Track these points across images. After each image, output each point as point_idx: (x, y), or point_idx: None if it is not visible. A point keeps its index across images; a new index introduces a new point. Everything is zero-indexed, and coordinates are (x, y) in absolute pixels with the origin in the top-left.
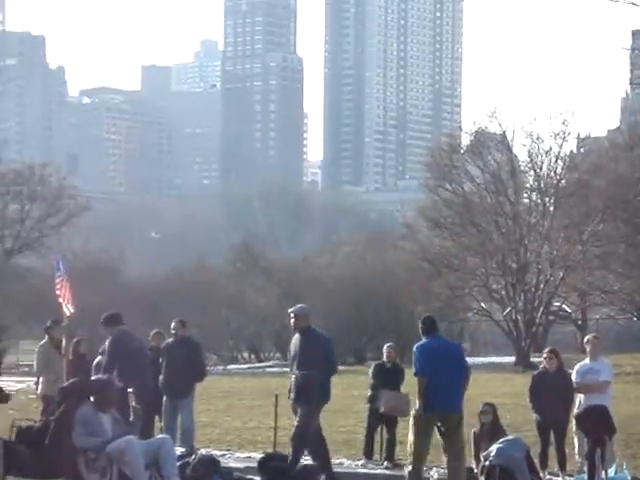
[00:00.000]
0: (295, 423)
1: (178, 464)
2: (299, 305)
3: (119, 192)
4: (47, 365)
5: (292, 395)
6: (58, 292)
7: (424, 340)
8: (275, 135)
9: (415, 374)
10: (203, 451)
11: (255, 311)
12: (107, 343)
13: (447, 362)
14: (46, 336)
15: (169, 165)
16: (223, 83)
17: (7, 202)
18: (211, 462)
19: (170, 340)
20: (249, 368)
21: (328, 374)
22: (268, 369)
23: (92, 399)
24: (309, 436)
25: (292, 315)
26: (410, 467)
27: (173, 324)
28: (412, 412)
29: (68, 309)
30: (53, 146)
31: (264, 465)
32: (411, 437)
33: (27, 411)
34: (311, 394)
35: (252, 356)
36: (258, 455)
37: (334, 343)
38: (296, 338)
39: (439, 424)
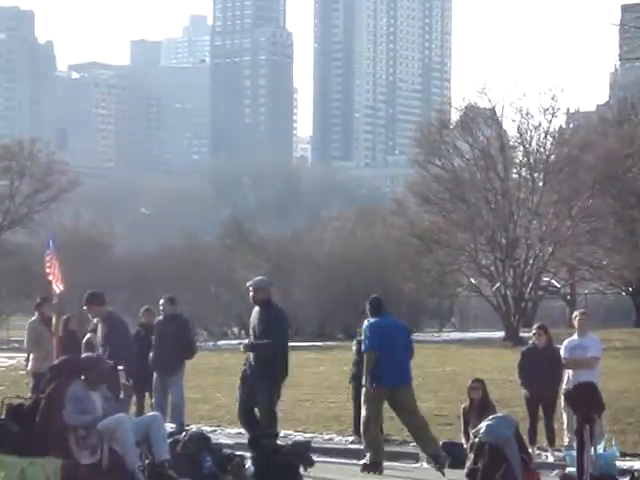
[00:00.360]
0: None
1: (169, 441)
2: (258, 278)
3: (109, 167)
4: (37, 342)
5: (247, 369)
6: (47, 270)
7: (373, 319)
8: (265, 110)
9: (365, 350)
10: (193, 427)
11: (245, 287)
12: (102, 323)
13: (396, 339)
14: (36, 313)
15: (158, 140)
16: (212, 58)
17: None
18: (201, 439)
19: (160, 317)
20: (239, 344)
21: (284, 350)
22: None
23: (82, 377)
24: (274, 411)
25: (250, 288)
26: (365, 441)
27: (162, 301)
28: (363, 388)
29: (58, 287)
30: (42, 121)
31: (255, 442)
32: (363, 411)
33: (17, 387)
34: (268, 368)
35: (242, 332)
36: None
37: (289, 319)
38: (255, 311)
39: (390, 400)
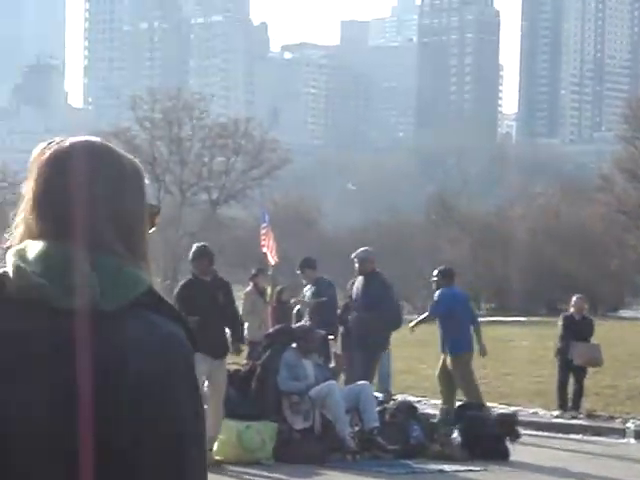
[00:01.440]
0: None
1: (377, 409)
2: (362, 248)
3: (317, 145)
4: (252, 311)
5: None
6: (263, 242)
7: (448, 288)
8: (470, 88)
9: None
10: (400, 397)
11: (447, 262)
12: (312, 287)
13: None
14: (251, 283)
15: (365, 118)
16: (420, 37)
17: (213, 155)
18: (409, 408)
19: None
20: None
21: (392, 322)
22: None
23: (295, 345)
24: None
25: (355, 260)
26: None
27: None
28: (450, 356)
29: (273, 258)
30: (256, 100)
31: (461, 413)
32: (462, 379)
33: (231, 354)
34: (370, 339)
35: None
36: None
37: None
38: (359, 281)
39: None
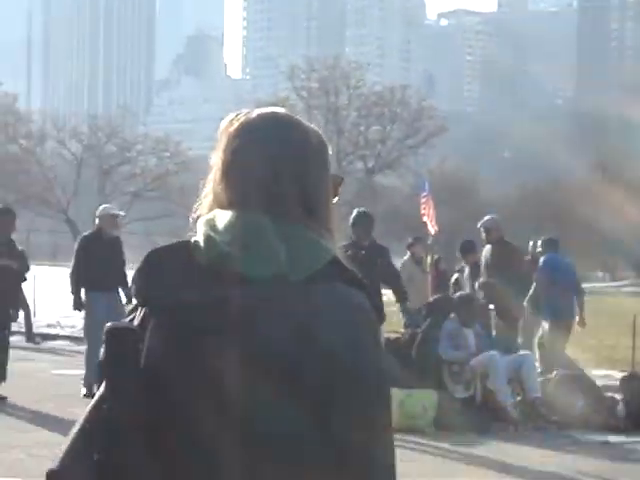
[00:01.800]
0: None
1: (539, 380)
2: (487, 217)
3: (473, 112)
4: (409, 281)
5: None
6: (423, 211)
7: (552, 255)
8: (631, 53)
9: (541, 282)
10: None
11: (611, 231)
12: (471, 268)
13: None
14: (408, 252)
15: (523, 85)
16: (580, 1)
17: (370, 123)
18: (572, 379)
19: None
20: (604, 287)
21: (521, 291)
22: (623, 289)
23: (455, 314)
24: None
25: (482, 229)
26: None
27: (531, 243)
28: (549, 321)
29: (433, 227)
30: (411, 68)
31: (625, 383)
32: (552, 346)
33: (389, 322)
34: (504, 304)
35: (606, 275)
36: (616, 373)
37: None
38: (486, 249)
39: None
